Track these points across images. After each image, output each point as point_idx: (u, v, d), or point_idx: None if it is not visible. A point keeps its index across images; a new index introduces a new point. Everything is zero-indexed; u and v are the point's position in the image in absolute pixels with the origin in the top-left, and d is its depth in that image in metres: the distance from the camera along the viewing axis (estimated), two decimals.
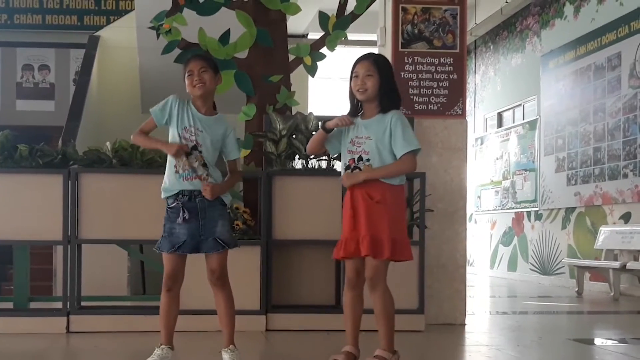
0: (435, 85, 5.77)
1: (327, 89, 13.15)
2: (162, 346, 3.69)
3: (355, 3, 6.19)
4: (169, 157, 3.65)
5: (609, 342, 5.05)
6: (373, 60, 3.71)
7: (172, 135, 3.66)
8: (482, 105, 13.39)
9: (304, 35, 12.24)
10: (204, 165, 3.63)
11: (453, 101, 5.79)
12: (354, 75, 3.71)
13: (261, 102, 5.98)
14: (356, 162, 3.67)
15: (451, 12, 5.78)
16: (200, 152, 3.63)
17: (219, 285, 3.70)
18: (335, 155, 5.33)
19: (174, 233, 3.63)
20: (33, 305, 5.89)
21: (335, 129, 3.72)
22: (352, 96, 3.76)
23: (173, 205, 3.65)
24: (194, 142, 3.62)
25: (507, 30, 12.38)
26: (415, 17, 5.75)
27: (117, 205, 5.16)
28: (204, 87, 3.64)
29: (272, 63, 6.06)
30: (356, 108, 3.77)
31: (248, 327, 5.06)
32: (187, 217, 3.60)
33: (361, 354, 3.73)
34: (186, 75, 3.67)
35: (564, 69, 10.25)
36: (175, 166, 3.62)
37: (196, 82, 3.63)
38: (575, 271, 9.04)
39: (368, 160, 3.64)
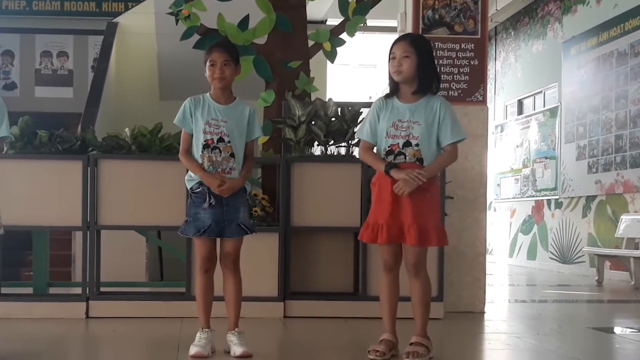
0: (456, 72, 5.71)
1: (346, 75, 13.10)
2: (205, 329, 3.73)
3: None
4: (194, 154, 3.72)
5: (629, 331, 5.00)
6: (410, 41, 3.67)
7: (197, 133, 3.70)
8: (503, 92, 13.28)
9: (324, 21, 12.17)
10: (231, 155, 3.68)
11: (474, 87, 5.73)
12: (391, 57, 3.66)
13: (280, 88, 5.95)
14: (401, 147, 3.60)
15: None
16: (229, 142, 3.68)
17: (233, 269, 3.77)
18: (355, 142, 5.34)
19: (199, 218, 3.69)
20: (52, 290, 5.93)
21: (374, 126, 3.68)
22: (391, 78, 3.71)
23: (198, 190, 3.70)
24: (220, 135, 3.68)
25: (528, 16, 12.26)
26: (436, 2, 5.68)
27: (136, 191, 5.16)
28: (224, 82, 3.73)
29: (291, 49, 6.03)
30: (394, 89, 3.72)
31: (266, 313, 5.06)
32: (213, 203, 3.66)
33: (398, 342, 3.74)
34: (208, 64, 3.72)
35: (586, 56, 10.13)
36: (200, 164, 3.69)
37: (217, 75, 3.70)
38: (596, 260, 8.96)
39: (417, 145, 3.59)
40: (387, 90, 3.80)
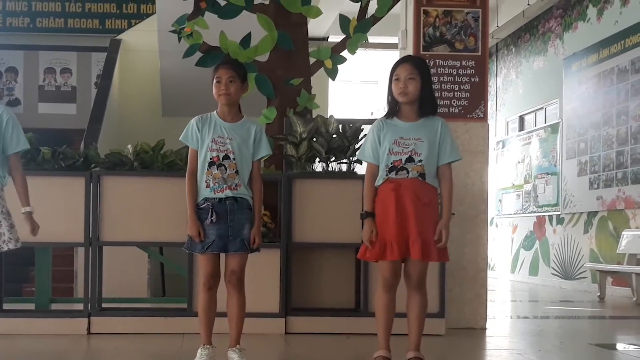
0: (457, 88, 5.74)
1: (347, 92, 13.15)
2: (207, 346, 3.75)
3: (376, 6, 6.18)
4: (199, 171, 3.75)
5: (631, 348, 4.99)
6: (414, 64, 3.74)
7: (204, 151, 3.73)
8: (504, 109, 13.32)
9: (325, 39, 12.24)
10: (236, 172, 3.71)
11: (474, 104, 5.76)
12: (394, 78, 3.71)
13: (282, 105, 5.98)
14: (404, 162, 3.65)
15: (473, 15, 5.75)
16: (234, 159, 3.71)
17: (237, 287, 3.78)
18: (356, 159, 5.37)
19: (203, 233, 3.70)
20: (54, 306, 5.93)
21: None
22: (390, 98, 3.76)
23: (203, 206, 3.73)
24: (225, 152, 3.71)
25: (529, 32, 12.32)
26: (437, 19, 5.72)
27: (138, 207, 5.18)
28: (229, 98, 3.75)
29: (293, 66, 6.07)
30: (394, 109, 3.76)
31: (267, 329, 5.06)
32: (214, 220, 3.68)
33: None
34: (214, 81, 3.76)
35: (587, 72, 10.17)
36: (205, 181, 3.72)
37: (222, 91, 3.73)
38: (597, 276, 8.96)
39: (420, 161, 3.66)
40: (385, 110, 3.84)
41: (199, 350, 3.73)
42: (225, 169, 3.71)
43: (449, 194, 3.75)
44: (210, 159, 3.71)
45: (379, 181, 3.72)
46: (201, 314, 3.80)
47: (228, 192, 3.70)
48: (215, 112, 3.83)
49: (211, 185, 3.71)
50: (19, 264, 8.16)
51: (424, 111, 3.73)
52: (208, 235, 3.70)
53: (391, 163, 3.67)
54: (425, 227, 3.63)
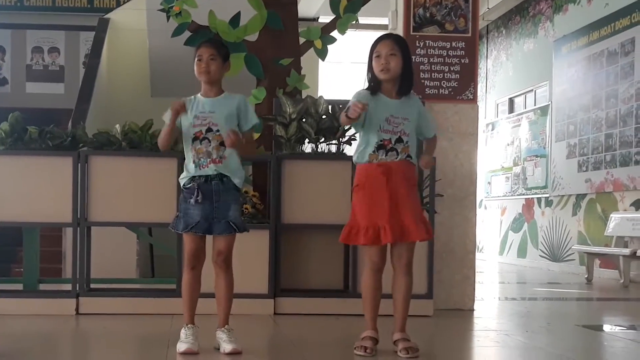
0: (447, 70, 5.73)
1: (337, 72, 13.12)
2: (189, 325, 3.74)
3: None
4: (185, 152, 3.74)
5: (618, 329, 5.03)
6: (395, 40, 3.70)
7: (187, 128, 3.72)
8: (494, 91, 13.32)
9: (315, 19, 12.19)
10: (221, 144, 3.68)
11: (464, 86, 5.75)
12: (375, 55, 3.66)
13: (271, 85, 5.96)
14: (393, 143, 3.63)
15: None
16: (218, 131, 3.68)
17: (224, 268, 3.77)
18: (346, 140, 5.36)
19: (188, 213, 3.70)
20: (42, 287, 5.91)
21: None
22: (371, 75, 3.71)
23: (189, 186, 3.72)
24: (208, 125, 3.69)
25: (519, 14, 12.29)
26: (427, 0, 5.69)
27: (127, 187, 5.16)
28: (209, 77, 3.73)
29: (283, 46, 6.04)
30: (376, 88, 3.71)
31: (256, 310, 5.07)
32: (199, 200, 3.67)
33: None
34: (196, 59, 3.75)
35: (577, 55, 10.17)
36: (192, 158, 3.71)
37: (203, 69, 3.72)
38: (585, 258, 9.00)
39: (407, 142, 3.65)
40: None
41: (183, 331, 3.72)
42: (209, 141, 3.68)
43: (435, 143, 3.91)
44: (194, 134, 3.70)
45: (364, 156, 3.67)
46: (184, 294, 3.79)
47: (212, 167, 3.67)
48: (199, 93, 3.81)
49: (196, 161, 3.69)
50: (7, 245, 8.13)
51: (404, 89, 3.69)
52: (193, 215, 3.68)
53: (380, 141, 3.64)
54: (418, 208, 3.66)
